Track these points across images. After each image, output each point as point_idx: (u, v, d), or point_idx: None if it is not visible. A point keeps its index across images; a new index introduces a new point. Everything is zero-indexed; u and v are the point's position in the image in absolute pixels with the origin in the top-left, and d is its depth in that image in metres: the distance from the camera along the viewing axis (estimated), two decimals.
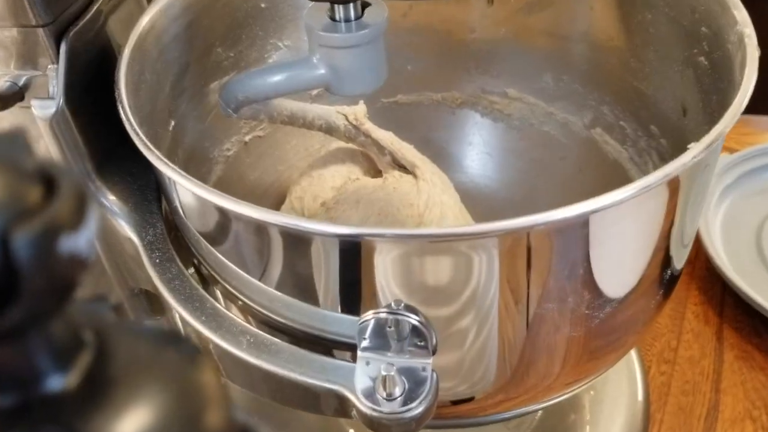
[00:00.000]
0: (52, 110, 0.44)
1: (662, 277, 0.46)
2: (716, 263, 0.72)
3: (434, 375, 0.40)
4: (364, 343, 0.40)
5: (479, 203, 0.69)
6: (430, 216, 0.57)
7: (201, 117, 0.55)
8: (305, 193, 0.62)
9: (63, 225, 0.15)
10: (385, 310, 0.39)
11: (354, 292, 0.40)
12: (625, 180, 0.61)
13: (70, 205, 0.15)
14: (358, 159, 0.65)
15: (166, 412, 0.16)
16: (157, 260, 0.46)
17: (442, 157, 0.70)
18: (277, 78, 0.48)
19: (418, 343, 0.40)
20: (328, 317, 0.42)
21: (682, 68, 0.53)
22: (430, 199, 0.58)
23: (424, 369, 0.40)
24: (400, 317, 0.39)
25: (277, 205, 0.65)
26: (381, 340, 0.40)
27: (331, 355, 0.43)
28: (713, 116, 0.43)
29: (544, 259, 0.39)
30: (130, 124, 0.40)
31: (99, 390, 0.16)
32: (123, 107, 0.42)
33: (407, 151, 0.62)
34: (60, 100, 0.44)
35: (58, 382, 0.16)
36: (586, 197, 0.64)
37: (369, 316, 0.39)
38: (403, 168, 0.62)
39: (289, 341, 0.42)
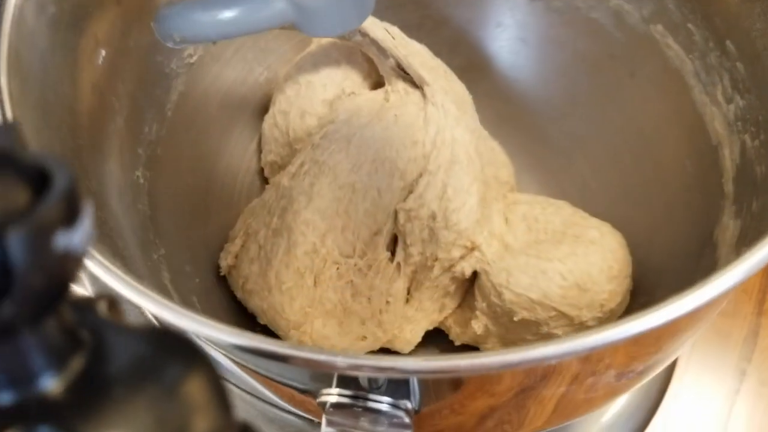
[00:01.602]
0: None
1: None
2: None
3: None
4: (329, 416, 0.32)
5: (509, 100, 0.58)
6: (438, 159, 0.46)
7: (143, 30, 0.43)
8: (291, 106, 0.51)
9: (57, 222, 0.14)
10: (348, 393, 0.31)
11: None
12: (685, 100, 0.49)
13: (64, 201, 0.14)
14: (356, 59, 0.52)
15: (163, 413, 0.15)
16: None
17: (463, 42, 0.58)
18: (226, 15, 0.36)
19: (395, 420, 0.32)
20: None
21: None
22: (439, 135, 0.46)
23: None
24: (366, 403, 0.30)
25: (257, 115, 0.54)
26: (348, 411, 0.32)
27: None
28: None
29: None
30: None
31: (94, 390, 0.16)
32: None
33: (415, 58, 0.50)
34: None
35: (52, 382, 0.16)
36: (635, 109, 0.53)
37: (329, 397, 0.31)
38: (409, 78, 0.50)
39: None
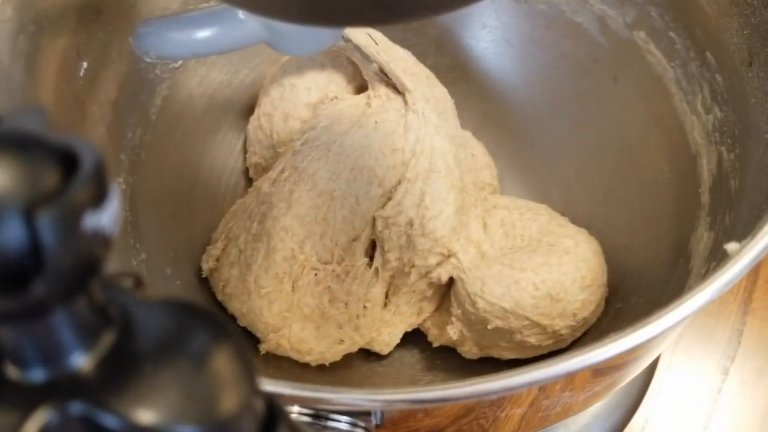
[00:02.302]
0: None
1: None
2: None
3: None
4: None
5: (494, 101, 0.58)
6: (416, 168, 0.47)
7: (125, 39, 0.44)
8: (275, 109, 0.52)
9: (86, 203, 0.14)
10: (308, 411, 0.32)
11: None
12: (667, 107, 0.49)
13: (93, 182, 0.15)
14: (341, 63, 0.53)
15: (191, 386, 0.16)
16: None
17: (449, 42, 0.58)
18: (201, 35, 0.37)
19: None
20: None
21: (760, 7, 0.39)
22: (419, 143, 0.47)
23: None
24: (326, 422, 0.31)
25: (243, 116, 0.55)
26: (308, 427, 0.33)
27: None
28: None
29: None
30: None
31: (124, 366, 0.16)
32: None
33: (398, 63, 0.50)
34: None
35: (83, 359, 0.16)
36: (617, 113, 0.53)
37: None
38: (391, 83, 0.50)
39: None
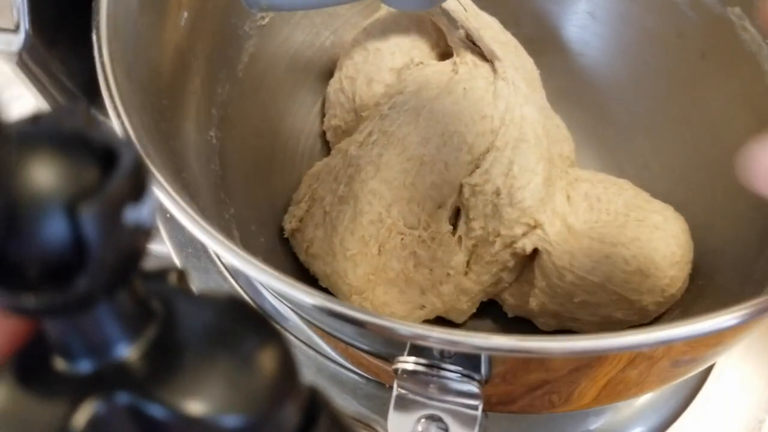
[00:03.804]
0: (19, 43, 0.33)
1: None
2: None
3: (483, 417, 0.34)
4: (401, 381, 0.33)
5: (573, 75, 0.57)
6: (505, 136, 0.46)
7: None
8: (358, 72, 0.51)
9: (126, 197, 0.15)
10: (424, 361, 0.31)
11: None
12: (758, 85, 0.48)
13: (132, 176, 0.15)
14: (425, 29, 0.52)
15: (237, 379, 0.16)
16: None
17: (530, 13, 0.57)
18: None
19: (464, 389, 0.33)
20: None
21: None
22: (509, 112, 0.46)
23: (472, 409, 0.34)
24: (439, 372, 0.31)
25: (321, 79, 0.54)
26: (420, 378, 0.33)
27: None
28: None
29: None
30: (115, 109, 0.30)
31: (168, 357, 0.16)
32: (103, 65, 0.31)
33: (486, 31, 0.50)
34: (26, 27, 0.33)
35: (128, 350, 0.16)
36: (702, 90, 0.52)
37: (404, 364, 0.32)
38: (478, 50, 0.50)
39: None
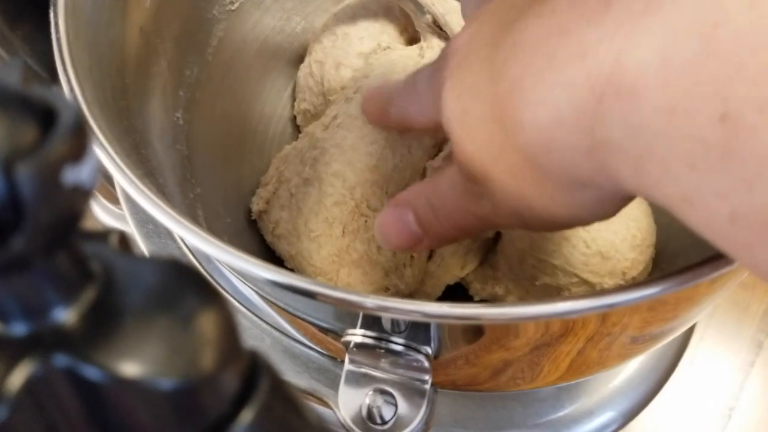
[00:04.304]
0: None
1: None
2: None
3: (433, 392, 0.35)
4: (351, 355, 0.34)
5: None
6: None
7: None
8: (327, 57, 0.52)
9: (65, 157, 0.14)
10: (372, 334, 0.32)
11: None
12: None
13: (72, 136, 0.14)
14: (393, 14, 0.53)
15: (175, 343, 0.16)
16: None
17: None
18: None
19: (414, 363, 0.34)
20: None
21: None
22: None
23: (421, 383, 0.34)
24: (388, 345, 0.32)
25: (293, 64, 0.55)
26: (370, 352, 0.34)
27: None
28: None
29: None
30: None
31: (107, 320, 0.16)
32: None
33: (453, 16, 0.50)
34: None
35: (66, 313, 0.16)
36: None
37: (354, 337, 0.32)
38: (444, 35, 0.50)
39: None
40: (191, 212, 0.42)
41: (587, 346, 0.37)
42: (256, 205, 0.48)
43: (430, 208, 0.32)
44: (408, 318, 0.30)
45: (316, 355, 0.45)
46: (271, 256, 0.48)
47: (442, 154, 0.47)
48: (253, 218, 0.49)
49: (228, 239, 0.46)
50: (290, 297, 0.34)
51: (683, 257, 0.48)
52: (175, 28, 0.44)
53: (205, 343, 0.16)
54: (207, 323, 0.17)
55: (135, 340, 0.16)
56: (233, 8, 0.50)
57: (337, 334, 0.34)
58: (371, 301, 0.27)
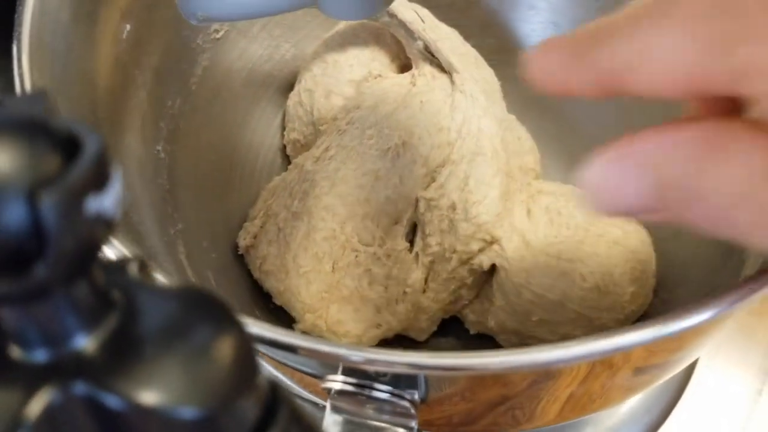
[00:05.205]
0: None
1: None
2: None
3: None
4: (333, 401, 0.32)
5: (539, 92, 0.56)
6: (462, 149, 0.45)
7: (169, 3, 0.42)
8: (317, 85, 0.51)
9: (88, 186, 0.15)
10: (353, 381, 0.30)
11: None
12: None
13: (95, 165, 0.15)
14: (385, 41, 0.51)
15: (194, 371, 0.16)
16: None
17: (495, 23, 0.56)
18: None
19: (399, 410, 0.32)
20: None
21: None
22: (466, 124, 0.45)
23: (407, 430, 0.33)
24: (371, 392, 0.30)
25: (282, 92, 0.53)
26: (353, 398, 0.32)
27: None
28: None
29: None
30: None
31: (127, 348, 0.16)
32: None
33: (445, 42, 0.49)
34: None
35: (86, 341, 0.16)
36: (674, 101, 0.51)
37: (334, 384, 0.31)
38: (436, 62, 0.49)
39: None
40: (171, 249, 0.40)
41: (588, 379, 0.36)
42: (243, 239, 0.47)
43: (688, 191, 0.21)
44: (394, 371, 0.29)
45: (304, 398, 0.43)
46: (258, 292, 0.47)
47: (434, 184, 0.45)
48: (240, 253, 0.48)
49: (213, 275, 0.44)
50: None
51: (684, 287, 0.46)
52: (156, 58, 0.43)
53: (224, 371, 0.16)
54: (226, 351, 0.17)
55: (155, 369, 0.16)
56: (218, 36, 0.49)
57: (320, 379, 0.32)
58: (355, 354, 0.26)
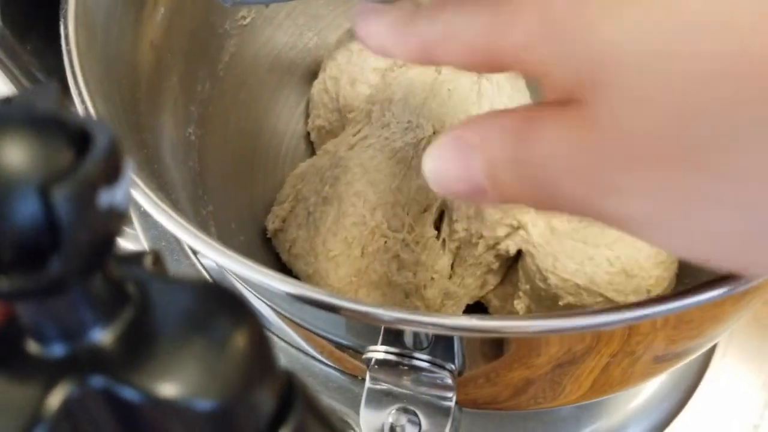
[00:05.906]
0: None
1: None
2: None
3: (457, 410, 0.33)
4: (373, 373, 0.33)
5: None
6: None
7: None
8: (342, 73, 0.51)
9: (100, 179, 0.15)
10: (395, 350, 0.31)
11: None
12: None
13: (107, 158, 0.15)
14: None
15: (210, 364, 0.16)
16: None
17: None
18: None
19: (438, 381, 0.32)
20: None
21: None
22: (493, 110, 0.46)
23: (445, 401, 0.33)
24: (411, 362, 0.30)
25: (305, 80, 0.54)
26: (392, 369, 0.32)
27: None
28: None
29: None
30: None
31: (143, 341, 0.16)
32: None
33: None
34: None
35: (102, 334, 0.16)
36: None
37: (375, 353, 0.31)
38: None
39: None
40: (205, 229, 0.40)
41: (610, 365, 0.36)
42: (272, 223, 0.47)
43: (513, 164, 0.23)
44: (431, 332, 0.29)
45: (336, 373, 0.44)
46: (287, 274, 0.47)
47: None
48: (267, 236, 0.48)
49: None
50: (308, 312, 0.33)
51: (707, 273, 0.46)
52: (185, 42, 0.44)
53: (241, 363, 0.16)
54: (242, 343, 0.17)
55: (171, 361, 0.16)
56: (245, 23, 0.49)
57: (357, 351, 0.32)
58: (392, 314, 0.26)
